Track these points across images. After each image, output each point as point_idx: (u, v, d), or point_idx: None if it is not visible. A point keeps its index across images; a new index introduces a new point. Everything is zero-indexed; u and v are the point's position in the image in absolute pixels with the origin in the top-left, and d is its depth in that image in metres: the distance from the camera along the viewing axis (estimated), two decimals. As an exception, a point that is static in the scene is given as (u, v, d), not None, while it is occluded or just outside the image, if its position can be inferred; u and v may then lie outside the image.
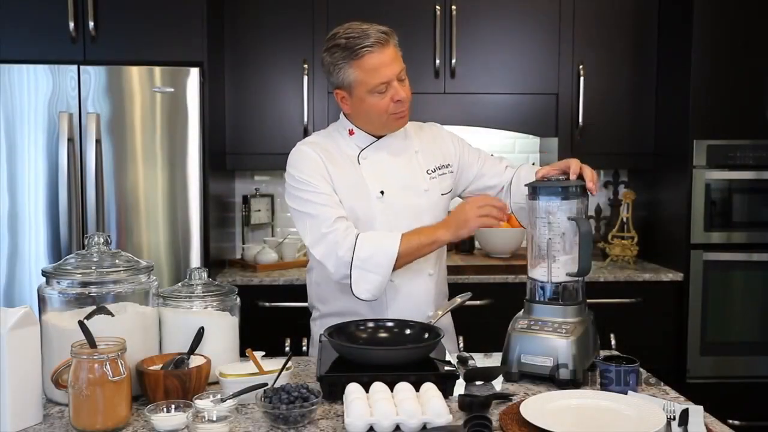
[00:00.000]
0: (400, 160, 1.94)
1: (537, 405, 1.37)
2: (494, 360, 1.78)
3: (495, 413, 1.41)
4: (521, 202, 1.95)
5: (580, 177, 1.70)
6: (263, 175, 3.56)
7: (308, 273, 2.07)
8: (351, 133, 1.93)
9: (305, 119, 3.16)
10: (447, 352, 1.64)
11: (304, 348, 2.86)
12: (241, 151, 3.22)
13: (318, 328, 2.00)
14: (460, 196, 2.09)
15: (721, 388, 3.00)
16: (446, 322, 2.04)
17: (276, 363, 1.53)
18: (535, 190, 1.69)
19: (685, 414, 1.34)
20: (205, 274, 1.68)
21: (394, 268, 1.78)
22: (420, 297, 1.93)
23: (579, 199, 1.67)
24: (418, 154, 1.97)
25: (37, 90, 2.77)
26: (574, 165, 1.71)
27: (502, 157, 2.14)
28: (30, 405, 1.37)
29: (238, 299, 1.69)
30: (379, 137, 1.92)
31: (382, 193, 1.88)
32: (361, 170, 1.89)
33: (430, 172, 1.96)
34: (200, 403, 1.37)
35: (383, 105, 1.82)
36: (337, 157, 1.89)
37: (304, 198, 1.84)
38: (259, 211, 3.49)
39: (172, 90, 2.81)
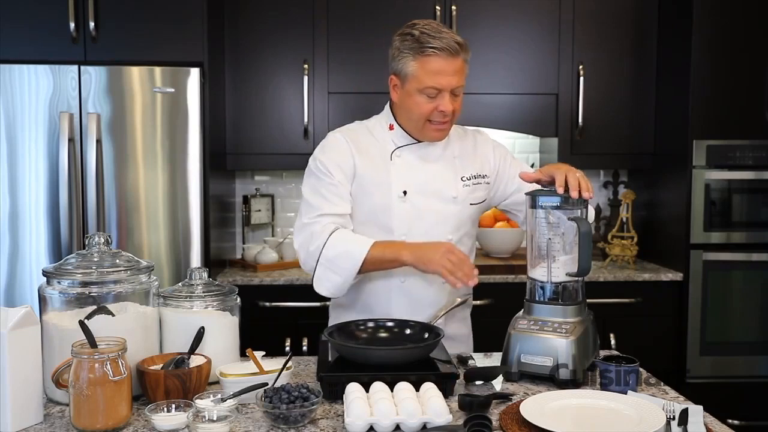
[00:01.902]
0: (434, 163, 1.90)
1: (537, 405, 1.38)
2: (494, 360, 1.78)
3: (495, 413, 1.42)
4: None
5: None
6: (263, 175, 3.57)
7: None
8: (391, 128, 1.91)
9: (305, 119, 3.16)
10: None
11: (305, 348, 2.86)
12: (241, 151, 3.22)
13: (332, 318, 2.01)
14: (497, 208, 2.06)
15: (721, 388, 3.00)
16: (465, 332, 2.05)
17: (276, 363, 1.53)
18: (534, 201, 1.69)
19: (684, 414, 1.34)
20: (205, 274, 1.68)
21: (360, 272, 1.78)
22: (429, 302, 1.90)
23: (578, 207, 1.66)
24: (456, 160, 1.93)
25: (37, 90, 2.77)
26: (558, 177, 1.64)
27: None
28: (30, 404, 1.37)
29: (239, 299, 1.69)
30: (418, 141, 1.89)
31: (404, 193, 1.86)
32: (390, 167, 1.88)
33: (464, 179, 1.92)
34: (200, 403, 1.37)
35: (427, 109, 1.80)
36: (369, 149, 1.88)
37: (313, 184, 1.86)
38: (260, 211, 3.49)
39: (173, 90, 2.81)
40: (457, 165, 1.93)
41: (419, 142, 1.90)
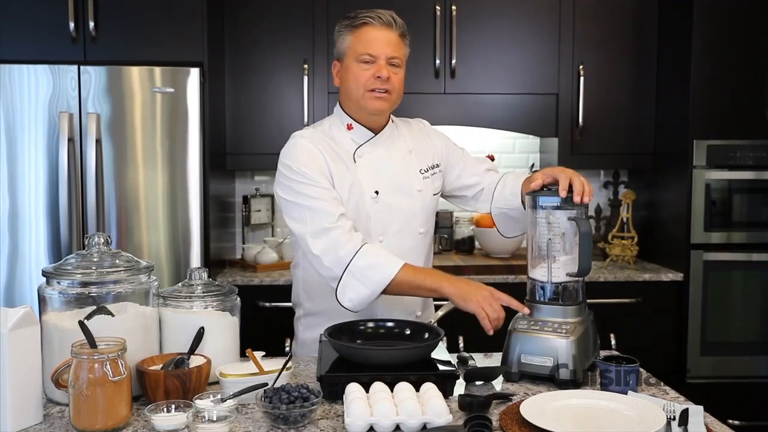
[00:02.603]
0: (396, 160, 1.93)
1: (537, 405, 1.37)
2: (494, 360, 1.78)
3: (495, 413, 1.42)
4: (503, 207, 1.96)
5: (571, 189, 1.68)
6: (263, 175, 3.56)
7: (293, 269, 2.05)
8: (349, 127, 1.91)
9: (305, 119, 3.16)
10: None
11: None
12: (241, 151, 3.22)
13: (303, 327, 2.01)
14: (445, 195, 2.08)
15: (721, 388, 3.00)
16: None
17: (276, 363, 1.53)
18: (534, 201, 1.69)
19: (685, 414, 1.34)
20: (205, 274, 1.68)
21: (385, 291, 1.75)
22: (409, 298, 1.91)
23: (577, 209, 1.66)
24: (411, 154, 1.96)
25: (37, 90, 2.77)
26: (562, 180, 1.64)
27: (484, 159, 2.13)
28: (30, 405, 1.37)
29: (239, 299, 1.69)
30: (375, 133, 1.91)
31: (376, 193, 1.88)
32: (356, 168, 1.88)
33: (423, 171, 1.95)
34: (200, 403, 1.37)
35: (364, 77, 1.83)
36: (333, 153, 1.88)
37: (302, 191, 1.81)
38: (259, 211, 3.49)
39: (173, 90, 2.81)
40: (413, 159, 1.95)
41: (376, 134, 1.91)
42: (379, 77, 1.82)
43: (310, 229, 1.78)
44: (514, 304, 1.71)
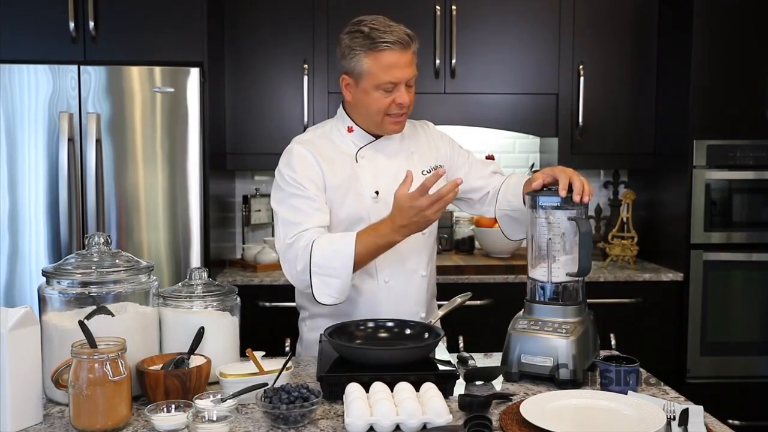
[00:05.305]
0: (397, 161, 1.93)
1: (537, 405, 1.38)
2: (494, 360, 1.78)
3: (495, 413, 1.42)
4: (506, 209, 1.96)
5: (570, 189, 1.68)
6: (263, 175, 3.56)
7: None
8: (350, 130, 1.92)
9: (305, 119, 3.16)
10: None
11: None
12: (241, 151, 3.22)
13: (308, 328, 2.01)
14: None
15: (721, 388, 3.00)
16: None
17: (276, 363, 1.53)
18: (534, 201, 1.69)
19: (685, 414, 1.34)
20: (205, 274, 1.68)
21: (354, 270, 1.75)
22: (413, 298, 1.93)
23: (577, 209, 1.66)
24: (414, 155, 1.96)
25: (37, 90, 2.77)
26: (562, 180, 1.64)
27: (490, 162, 2.13)
28: (30, 405, 1.37)
29: (239, 299, 1.69)
30: (377, 137, 1.92)
31: (376, 193, 1.88)
32: (357, 169, 1.89)
33: (425, 173, 1.94)
34: (200, 403, 1.37)
35: (384, 104, 1.82)
36: (332, 155, 1.88)
37: (288, 201, 1.83)
38: (259, 211, 3.49)
39: (173, 90, 2.81)
40: (415, 160, 1.95)
41: (377, 138, 1.91)
42: (400, 104, 1.81)
43: (280, 246, 1.82)
44: (443, 192, 1.65)
